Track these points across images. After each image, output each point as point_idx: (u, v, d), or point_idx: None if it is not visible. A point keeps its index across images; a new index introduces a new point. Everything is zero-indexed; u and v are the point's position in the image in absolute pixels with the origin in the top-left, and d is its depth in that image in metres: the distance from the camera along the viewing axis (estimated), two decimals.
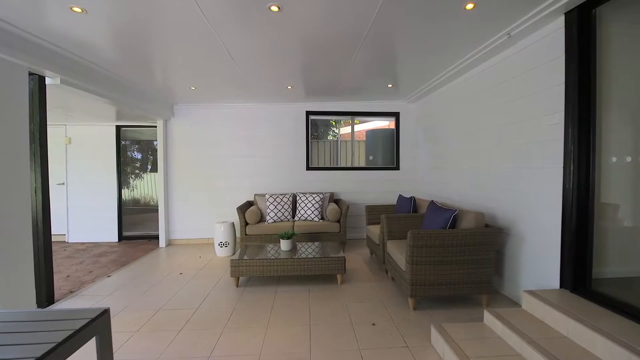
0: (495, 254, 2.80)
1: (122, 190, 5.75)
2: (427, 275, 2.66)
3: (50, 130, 5.65)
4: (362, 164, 5.79)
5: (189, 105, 5.29)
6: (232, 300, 3.01)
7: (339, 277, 3.36)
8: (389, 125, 5.78)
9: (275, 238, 4.29)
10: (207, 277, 3.67)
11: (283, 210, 4.66)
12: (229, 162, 5.36)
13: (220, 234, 4.50)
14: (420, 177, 5.22)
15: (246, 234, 4.45)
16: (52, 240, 5.64)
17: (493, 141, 3.17)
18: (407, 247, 2.66)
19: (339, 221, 4.53)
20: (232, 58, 3.22)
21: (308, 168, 5.42)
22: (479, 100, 3.40)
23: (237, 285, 3.35)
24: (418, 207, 4.06)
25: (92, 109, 4.70)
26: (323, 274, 3.36)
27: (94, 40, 2.75)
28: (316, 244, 3.95)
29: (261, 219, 4.72)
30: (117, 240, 5.57)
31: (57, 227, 5.59)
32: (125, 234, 5.67)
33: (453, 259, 2.65)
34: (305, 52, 3.12)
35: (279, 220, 4.63)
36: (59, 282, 3.65)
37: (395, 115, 5.48)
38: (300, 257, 3.32)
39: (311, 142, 5.57)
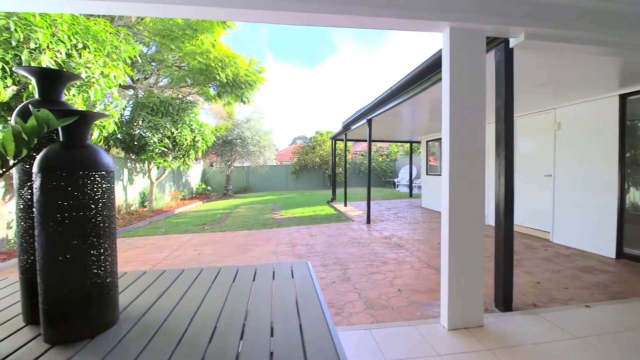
0: None
1: (629, 187, 3.99)
2: None
3: (538, 118, 5.32)
4: None
5: None
6: None
7: None
8: None
9: None
10: None
11: None
12: None
13: None
14: None
15: None
16: (535, 235, 5.30)
17: None
18: None
19: None
20: None
21: None
22: None
23: None
24: None
25: (584, 75, 3.57)
26: None
27: None
28: None
29: None
30: (613, 256, 3.95)
31: (541, 223, 5.13)
32: (627, 250, 3.88)
33: None
34: None
35: None
36: (525, 287, 3.11)
37: None
38: None
39: None
